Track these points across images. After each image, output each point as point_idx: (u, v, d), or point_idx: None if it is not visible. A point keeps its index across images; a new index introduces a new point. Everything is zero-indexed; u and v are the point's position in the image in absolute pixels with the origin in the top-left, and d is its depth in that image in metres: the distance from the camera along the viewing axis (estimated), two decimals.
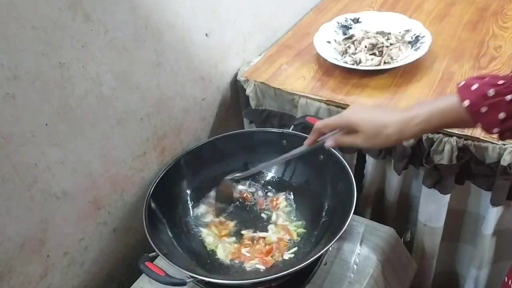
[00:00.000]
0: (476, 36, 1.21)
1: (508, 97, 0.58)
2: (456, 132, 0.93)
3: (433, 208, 1.03)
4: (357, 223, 0.99)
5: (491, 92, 0.59)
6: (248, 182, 1.06)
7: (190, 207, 1.01)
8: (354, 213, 0.83)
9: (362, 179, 1.13)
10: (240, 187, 1.05)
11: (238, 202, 1.03)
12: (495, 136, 0.63)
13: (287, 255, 0.91)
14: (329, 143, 0.77)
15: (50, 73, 0.73)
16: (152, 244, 0.82)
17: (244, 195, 1.03)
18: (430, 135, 0.95)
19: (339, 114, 0.75)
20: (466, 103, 0.60)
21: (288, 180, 1.06)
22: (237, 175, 0.98)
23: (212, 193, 1.04)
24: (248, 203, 1.02)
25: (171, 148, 1.05)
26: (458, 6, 1.35)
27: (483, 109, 0.60)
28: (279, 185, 1.06)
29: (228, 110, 1.21)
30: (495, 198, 0.94)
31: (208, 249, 0.95)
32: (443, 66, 1.12)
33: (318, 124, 0.77)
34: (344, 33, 1.25)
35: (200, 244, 0.96)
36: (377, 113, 0.71)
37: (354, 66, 1.11)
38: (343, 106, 1.04)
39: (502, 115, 0.59)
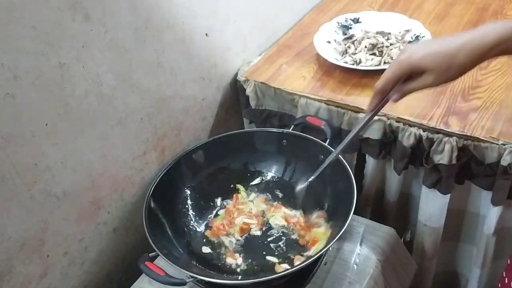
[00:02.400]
0: None
1: None
2: (456, 132, 0.93)
3: (433, 208, 1.03)
4: (357, 223, 0.99)
5: None
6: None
7: (190, 207, 1.01)
8: (354, 213, 0.83)
9: (362, 179, 1.13)
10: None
11: None
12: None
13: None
14: (395, 97, 0.69)
15: (50, 73, 0.73)
16: (152, 244, 0.82)
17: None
18: (430, 135, 0.95)
19: (395, 62, 0.67)
20: None
21: (288, 180, 1.06)
22: (310, 179, 0.92)
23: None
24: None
25: (171, 148, 1.05)
26: (458, 6, 1.35)
27: None
28: (279, 186, 1.06)
29: (228, 110, 1.21)
30: (495, 197, 0.94)
31: (208, 248, 0.95)
32: None
33: (378, 84, 0.69)
34: (344, 33, 1.25)
35: (200, 244, 0.96)
36: (439, 45, 0.63)
37: (354, 66, 1.11)
38: (343, 106, 1.04)
39: None
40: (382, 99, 0.71)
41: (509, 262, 0.83)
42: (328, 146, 0.97)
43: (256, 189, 1.06)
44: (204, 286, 0.86)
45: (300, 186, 0.94)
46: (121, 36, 0.84)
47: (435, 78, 0.63)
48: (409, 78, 0.67)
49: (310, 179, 0.92)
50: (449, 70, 0.62)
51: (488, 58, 0.61)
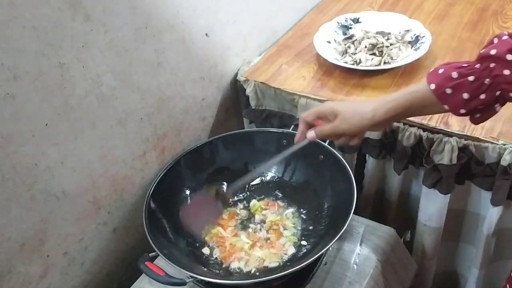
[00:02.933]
0: (476, 36, 1.21)
1: (471, 78, 0.62)
2: (456, 132, 0.93)
3: (433, 208, 1.03)
4: (357, 223, 0.99)
5: (454, 74, 0.63)
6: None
7: None
8: (354, 213, 0.83)
9: (362, 179, 1.13)
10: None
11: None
12: (464, 117, 0.66)
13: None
14: (310, 134, 0.79)
15: (50, 73, 0.73)
16: (152, 244, 0.82)
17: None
18: (430, 135, 0.95)
19: (319, 106, 0.80)
20: (433, 86, 0.64)
21: (288, 180, 1.06)
22: (232, 187, 0.95)
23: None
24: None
25: (171, 148, 1.05)
26: (458, 6, 1.35)
27: (448, 91, 0.64)
28: (279, 187, 1.06)
29: (228, 110, 1.21)
30: (495, 198, 0.94)
31: (208, 248, 0.95)
32: None
33: (302, 114, 0.80)
34: (344, 33, 1.25)
35: (200, 243, 0.96)
36: (357, 102, 0.79)
37: (354, 66, 1.11)
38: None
39: (466, 95, 0.62)
40: (306, 128, 0.81)
41: None
42: (328, 146, 0.97)
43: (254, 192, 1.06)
44: (204, 286, 0.86)
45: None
46: (121, 36, 0.84)
47: (341, 122, 0.74)
48: (328, 121, 0.78)
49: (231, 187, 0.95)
50: (352, 118, 0.73)
51: (386, 123, 0.74)
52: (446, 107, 0.65)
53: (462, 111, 0.64)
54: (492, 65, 0.60)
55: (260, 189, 1.06)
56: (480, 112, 0.65)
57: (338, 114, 0.75)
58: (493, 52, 0.60)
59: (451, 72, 0.63)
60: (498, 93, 0.61)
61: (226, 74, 1.17)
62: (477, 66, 0.62)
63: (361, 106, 0.73)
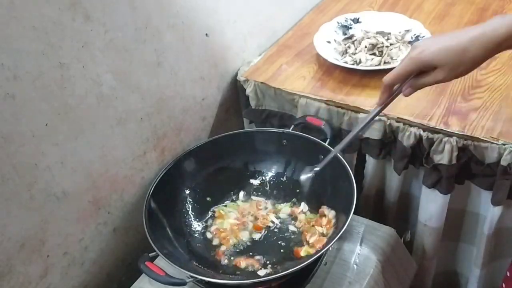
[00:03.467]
0: None
1: None
2: (456, 132, 0.93)
3: (433, 208, 1.03)
4: (357, 223, 0.99)
5: None
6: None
7: (190, 207, 1.01)
8: (354, 213, 0.83)
9: (362, 179, 1.13)
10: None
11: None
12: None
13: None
14: (407, 91, 0.70)
15: (50, 73, 0.73)
16: (152, 244, 0.82)
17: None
18: (430, 135, 0.95)
19: (407, 58, 0.68)
20: None
21: (288, 180, 1.06)
22: (316, 168, 0.91)
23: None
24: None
25: (171, 148, 1.05)
26: (458, 6, 1.35)
27: None
28: (279, 186, 1.06)
29: (228, 110, 1.21)
30: (495, 197, 0.94)
31: (208, 248, 0.95)
32: None
33: (387, 78, 0.69)
34: (344, 33, 1.25)
35: (200, 243, 0.96)
36: (450, 40, 0.63)
37: (354, 66, 1.11)
38: (343, 106, 1.04)
39: None
40: (390, 94, 0.71)
41: None
42: (328, 146, 0.97)
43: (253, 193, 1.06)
44: (204, 286, 0.86)
45: (306, 175, 0.92)
46: (121, 36, 0.84)
47: (447, 73, 0.64)
48: (420, 73, 0.67)
49: (316, 169, 0.90)
50: (461, 65, 0.63)
51: (499, 52, 0.61)
52: None
53: None
54: None
55: (260, 189, 1.06)
56: None
57: (437, 66, 0.64)
58: None
59: None
60: None
61: (226, 74, 1.17)
62: None
63: (465, 50, 0.62)
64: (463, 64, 0.63)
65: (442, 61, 0.63)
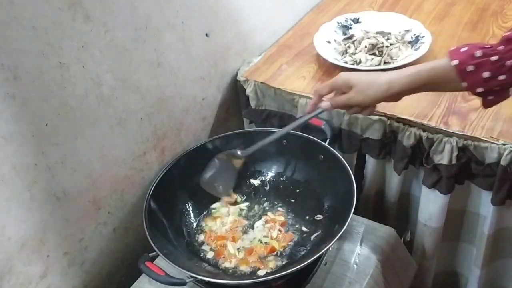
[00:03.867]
0: (476, 36, 1.21)
1: (493, 58, 0.64)
2: (456, 132, 0.93)
3: (433, 208, 1.03)
4: (357, 223, 0.99)
5: (478, 53, 0.65)
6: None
7: (190, 207, 1.01)
8: (354, 213, 0.83)
9: (362, 179, 1.13)
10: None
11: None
12: (478, 98, 0.69)
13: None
14: (324, 104, 0.83)
15: (50, 73, 0.73)
16: (152, 244, 0.82)
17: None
18: (430, 135, 0.95)
19: (333, 79, 0.83)
20: (455, 62, 0.66)
21: (288, 180, 1.06)
22: (244, 151, 0.95)
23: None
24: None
25: (171, 148, 1.05)
26: (458, 6, 1.35)
27: (470, 68, 0.65)
28: (279, 186, 1.06)
29: (228, 110, 1.21)
30: (495, 197, 0.94)
31: (208, 248, 0.95)
32: None
33: (316, 87, 0.85)
34: (344, 33, 1.25)
35: (200, 243, 0.96)
36: (366, 75, 0.80)
37: (354, 66, 1.11)
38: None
39: (486, 74, 0.65)
40: (318, 101, 0.85)
41: None
42: (328, 146, 0.97)
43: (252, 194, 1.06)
44: (204, 286, 0.86)
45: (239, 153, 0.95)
46: (121, 36, 0.84)
47: (355, 94, 0.78)
48: (341, 93, 0.82)
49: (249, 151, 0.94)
50: (367, 89, 0.77)
51: (404, 90, 0.75)
52: (464, 84, 0.67)
53: (480, 89, 0.66)
54: None
55: (259, 189, 1.06)
56: (495, 94, 0.66)
57: (353, 86, 0.78)
58: None
59: (475, 50, 0.65)
60: None
61: (226, 74, 1.17)
62: (501, 47, 0.64)
63: (376, 78, 0.76)
64: (369, 89, 0.77)
65: (356, 82, 0.78)
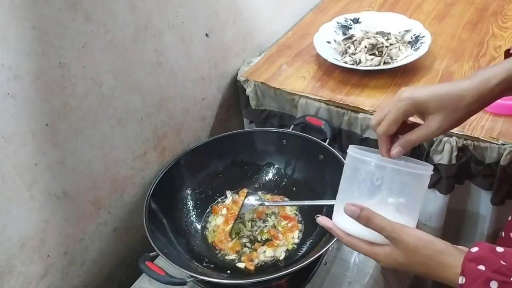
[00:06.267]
0: (476, 36, 1.21)
1: None
2: (456, 132, 0.93)
3: (433, 208, 1.03)
4: None
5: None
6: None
7: (190, 207, 1.01)
8: None
9: None
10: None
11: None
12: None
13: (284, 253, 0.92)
14: (395, 150, 0.60)
15: (50, 73, 0.73)
16: (152, 244, 0.83)
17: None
18: None
19: (395, 101, 0.59)
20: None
21: (288, 179, 1.06)
22: (267, 203, 0.96)
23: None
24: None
25: (171, 148, 1.05)
26: (458, 6, 1.35)
27: None
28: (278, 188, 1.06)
29: (228, 110, 1.21)
30: (495, 197, 0.94)
31: (208, 248, 0.95)
32: (443, 66, 1.12)
33: (379, 129, 0.60)
34: (344, 33, 1.26)
35: (200, 243, 0.96)
36: (443, 86, 0.58)
37: (354, 66, 1.11)
38: (342, 106, 1.04)
39: None
40: (389, 144, 0.61)
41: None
42: (328, 146, 0.97)
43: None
44: (204, 286, 0.86)
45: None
46: (121, 36, 0.84)
47: (442, 120, 0.57)
48: (407, 129, 0.60)
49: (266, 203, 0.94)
50: (456, 111, 0.57)
51: (495, 99, 0.58)
52: None
53: None
54: None
55: (260, 189, 1.06)
56: None
57: (432, 110, 0.57)
58: None
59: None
60: None
61: (226, 74, 1.17)
62: None
63: (460, 97, 0.56)
64: (458, 111, 0.57)
65: (436, 105, 0.57)
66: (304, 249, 0.92)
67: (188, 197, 1.02)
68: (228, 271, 0.89)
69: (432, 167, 0.56)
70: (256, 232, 0.96)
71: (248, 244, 0.94)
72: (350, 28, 1.27)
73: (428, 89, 0.58)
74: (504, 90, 0.57)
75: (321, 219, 0.63)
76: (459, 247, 0.55)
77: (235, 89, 1.21)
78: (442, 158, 0.94)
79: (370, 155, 0.57)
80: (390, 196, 0.56)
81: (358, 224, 0.55)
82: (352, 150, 0.58)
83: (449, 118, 0.57)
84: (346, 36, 1.23)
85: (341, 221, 0.59)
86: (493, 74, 0.57)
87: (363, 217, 0.54)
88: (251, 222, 0.98)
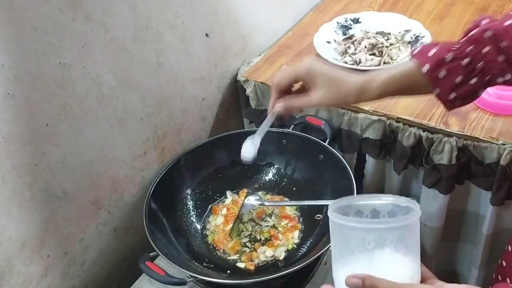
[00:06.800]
0: None
1: (465, 61, 0.58)
2: (456, 132, 0.93)
3: (433, 208, 1.03)
4: None
5: (449, 56, 0.59)
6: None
7: (190, 207, 1.01)
8: None
9: (362, 179, 1.13)
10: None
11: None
12: (447, 104, 0.62)
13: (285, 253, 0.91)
14: (277, 106, 0.68)
15: (50, 73, 0.73)
16: (152, 244, 0.83)
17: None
18: (430, 135, 0.95)
19: (294, 65, 0.68)
20: (426, 68, 0.60)
21: (288, 179, 1.06)
22: (267, 203, 0.96)
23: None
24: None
25: (171, 148, 1.05)
26: (458, 6, 1.35)
27: (442, 73, 0.60)
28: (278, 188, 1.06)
29: (228, 110, 1.21)
30: (495, 197, 0.94)
31: (208, 248, 0.95)
32: None
33: (275, 78, 0.68)
34: (344, 33, 1.25)
35: (200, 243, 0.96)
36: (336, 69, 0.67)
37: (354, 66, 1.11)
38: (342, 106, 1.04)
39: (459, 79, 0.59)
40: (278, 96, 0.69)
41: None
42: (328, 146, 0.97)
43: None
44: (204, 285, 0.86)
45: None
46: (121, 36, 0.84)
47: (322, 95, 0.65)
48: (300, 90, 0.68)
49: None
50: (337, 94, 0.64)
51: (375, 98, 0.64)
52: (437, 91, 0.61)
53: (453, 95, 0.61)
54: (485, 49, 0.57)
55: (260, 189, 1.06)
56: (465, 98, 0.61)
57: (316, 84, 0.65)
58: (487, 35, 0.57)
59: (445, 55, 0.59)
60: (487, 78, 0.59)
61: (226, 74, 1.17)
62: (470, 48, 0.58)
63: (345, 83, 0.64)
64: (338, 94, 0.64)
65: (324, 82, 0.64)
66: (304, 249, 0.92)
67: (188, 197, 1.02)
68: (228, 271, 0.89)
69: (418, 205, 0.54)
70: (256, 232, 0.96)
71: (248, 244, 0.94)
72: (350, 28, 1.27)
73: (325, 67, 0.66)
74: (383, 93, 0.64)
75: None
76: None
77: (235, 89, 1.21)
78: (442, 158, 0.94)
79: (353, 220, 0.54)
80: (387, 253, 0.52)
81: None
82: (333, 214, 0.54)
83: (328, 96, 0.65)
84: (346, 36, 1.23)
85: None
86: (377, 76, 0.64)
87: (368, 286, 0.51)
88: (251, 222, 0.98)
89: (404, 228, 0.52)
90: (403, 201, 0.54)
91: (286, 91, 0.69)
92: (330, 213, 0.54)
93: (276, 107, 0.69)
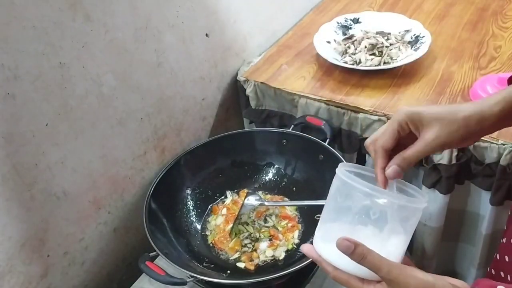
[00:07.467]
0: (476, 36, 1.21)
1: None
2: None
3: (432, 208, 1.03)
4: None
5: None
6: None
7: (190, 207, 1.01)
8: None
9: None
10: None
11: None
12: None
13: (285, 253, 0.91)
14: (391, 169, 0.55)
15: (50, 73, 0.73)
16: (152, 244, 0.83)
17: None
18: None
19: (388, 122, 0.57)
20: None
21: (288, 179, 1.06)
22: (267, 203, 0.97)
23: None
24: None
25: (171, 148, 1.05)
26: (458, 6, 1.35)
27: None
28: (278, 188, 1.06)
29: (228, 110, 1.21)
30: (495, 198, 0.94)
31: (208, 248, 0.95)
32: (443, 66, 1.12)
33: (376, 145, 0.57)
34: (344, 33, 1.26)
35: (200, 243, 0.96)
36: (439, 105, 0.59)
37: (354, 66, 1.11)
38: (342, 106, 1.04)
39: None
40: (387, 159, 0.57)
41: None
42: (328, 146, 0.97)
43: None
44: (204, 285, 0.86)
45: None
46: (121, 36, 0.84)
47: (438, 131, 0.53)
48: (406, 139, 0.56)
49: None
50: (453, 123, 0.53)
51: (495, 118, 0.54)
52: None
53: None
54: None
55: (260, 189, 1.06)
56: None
57: (423, 123, 0.54)
58: None
59: None
60: None
61: (226, 74, 1.17)
62: None
63: (457, 110, 0.54)
64: (455, 122, 0.53)
65: (432, 116, 0.54)
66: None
67: (188, 197, 1.02)
68: (228, 271, 0.89)
69: (427, 196, 0.52)
70: (256, 232, 0.96)
71: (248, 244, 0.94)
72: (350, 28, 1.27)
73: (424, 106, 0.56)
74: (504, 111, 0.53)
75: (306, 248, 0.57)
76: (458, 282, 0.53)
77: (235, 89, 1.21)
78: (442, 158, 0.94)
79: (366, 184, 0.51)
80: (386, 230, 0.51)
81: (349, 258, 0.50)
82: (343, 172, 0.51)
83: (445, 129, 0.53)
84: (346, 36, 1.23)
85: (326, 252, 0.53)
86: (493, 95, 0.54)
87: (358, 254, 0.49)
88: (251, 222, 0.98)
89: (411, 210, 0.52)
90: (412, 187, 0.55)
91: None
92: (340, 169, 0.54)
93: (391, 174, 0.55)
